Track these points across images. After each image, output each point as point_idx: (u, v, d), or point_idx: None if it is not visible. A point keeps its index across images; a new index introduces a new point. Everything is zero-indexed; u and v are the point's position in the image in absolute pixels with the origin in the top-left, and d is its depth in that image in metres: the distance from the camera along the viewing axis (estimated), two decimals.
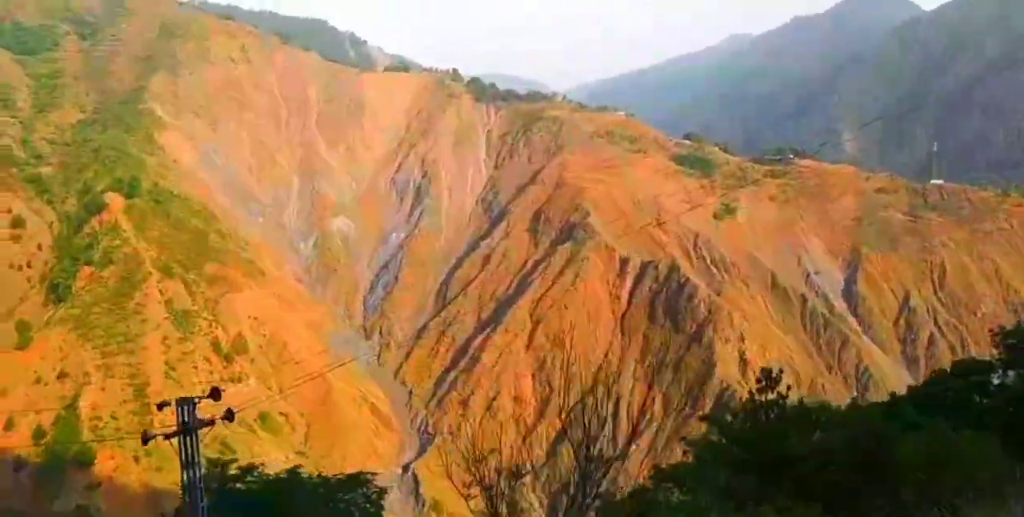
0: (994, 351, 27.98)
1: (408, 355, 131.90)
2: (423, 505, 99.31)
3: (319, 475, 38.15)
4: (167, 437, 14.22)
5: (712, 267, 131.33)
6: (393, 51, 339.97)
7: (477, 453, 12.21)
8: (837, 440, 17.51)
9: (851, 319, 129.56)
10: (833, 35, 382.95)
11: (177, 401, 14.40)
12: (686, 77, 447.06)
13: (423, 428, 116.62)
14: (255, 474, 33.56)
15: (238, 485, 32.40)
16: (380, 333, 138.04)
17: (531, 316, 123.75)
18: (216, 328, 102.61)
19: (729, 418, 20.66)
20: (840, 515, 15.60)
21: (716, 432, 20.17)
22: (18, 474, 75.60)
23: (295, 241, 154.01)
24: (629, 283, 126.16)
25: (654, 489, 20.65)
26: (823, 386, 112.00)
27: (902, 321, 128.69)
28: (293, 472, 35.27)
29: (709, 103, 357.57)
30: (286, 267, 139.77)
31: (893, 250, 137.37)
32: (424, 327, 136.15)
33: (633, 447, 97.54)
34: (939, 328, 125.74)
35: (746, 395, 20.43)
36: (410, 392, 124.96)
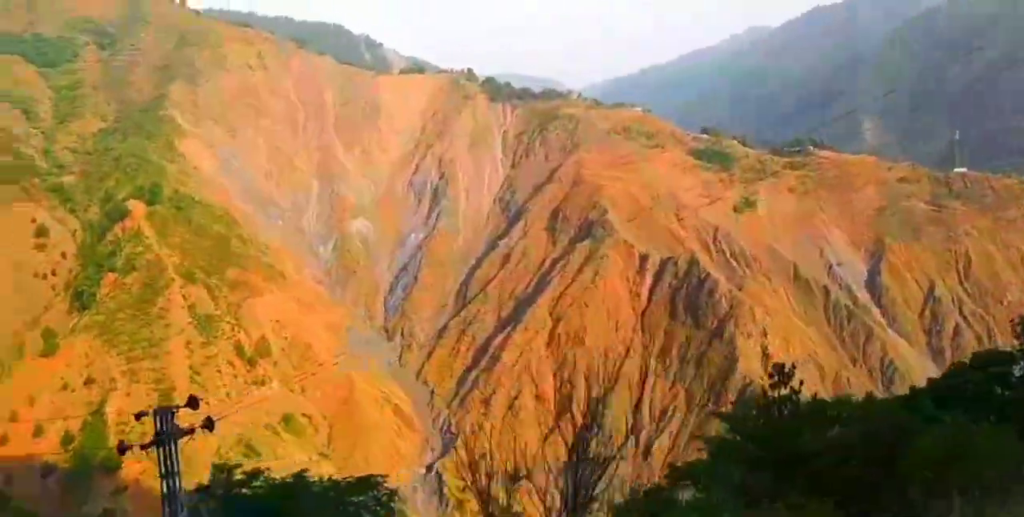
0: (1015, 341, 27.52)
1: (429, 355, 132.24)
2: (447, 505, 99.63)
3: (329, 478, 38.15)
4: (143, 447, 14.15)
5: (732, 261, 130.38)
6: (408, 53, 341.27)
7: (471, 458, 12.15)
8: (851, 436, 17.30)
9: (875, 310, 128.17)
10: (849, 25, 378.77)
11: (154, 411, 14.20)
12: (694, 74, 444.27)
13: (446, 428, 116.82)
14: (261, 478, 33.62)
15: (244, 490, 32.41)
16: (401, 334, 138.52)
17: (551, 314, 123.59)
18: (239, 332, 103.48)
19: (743, 415, 20.49)
20: (853, 511, 15.41)
21: (729, 429, 20.00)
22: (46, 480, 76.81)
23: (315, 244, 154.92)
24: (649, 279, 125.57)
25: (669, 487, 20.53)
26: (848, 379, 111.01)
27: (927, 312, 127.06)
28: (299, 476, 35.30)
29: (721, 99, 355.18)
30: (306, 270, 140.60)
31: (916, 240, 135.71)
32: (444, 327, 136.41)
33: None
34: (965, 318, 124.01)
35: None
36: (432, 392, 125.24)
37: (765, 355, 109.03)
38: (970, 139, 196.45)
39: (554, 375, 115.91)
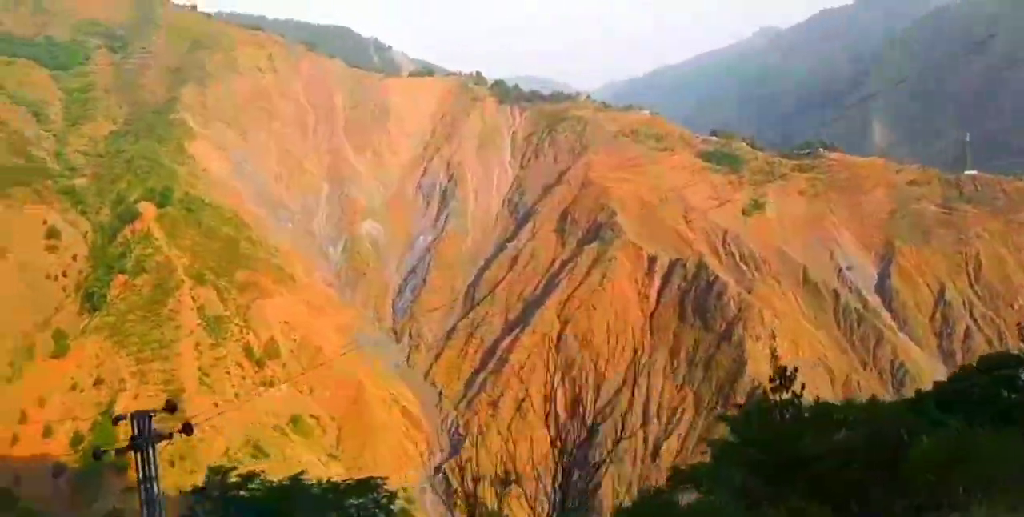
0: (1022, 344, 27.40)
1: (437, 357, 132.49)
2: (455, 506, 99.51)
3: (328, 480, 38.16)
4: (119, 452, 13.99)
5: (741, 264, 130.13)
6: (417, 56, 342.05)
7: (459, 462, 12.12)
8: (853, 439, 17.23)
9: (885, 314, 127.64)
10: (861, 25, 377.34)
11: (132, 415, 13.99)
12: (706, 75, 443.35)
13: (454, 429, 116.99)
14: (257, 481, 33.65)
15: (241, 492, 32.42)
16: (410, 335, 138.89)
17: (559, 316, 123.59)
18: (248, 334, 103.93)
19: (743, 418, 20.46)
20: (853, 514, 15.36)
21: (731, 432, 19.98)
22: (57, 480, 77.31)
23: (324, 246, 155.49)
24: (657, 282, 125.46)
25: (670, 490, 20.51)
26: (858, 382, 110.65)
27: (938, 315, 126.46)
28: (296, 478, 35.35)
29: (730, 100, 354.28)
30: (316, 272, 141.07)
31: (927, 243, 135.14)
32: (453, 329, 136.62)
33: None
34: (975, 321, 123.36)
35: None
36: (440, 393, 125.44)
37: (774, 358, 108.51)
38: (976, 139, 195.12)
39: (562, 377, 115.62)
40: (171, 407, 13.80)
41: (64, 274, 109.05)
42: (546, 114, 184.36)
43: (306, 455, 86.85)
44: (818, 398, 19.27)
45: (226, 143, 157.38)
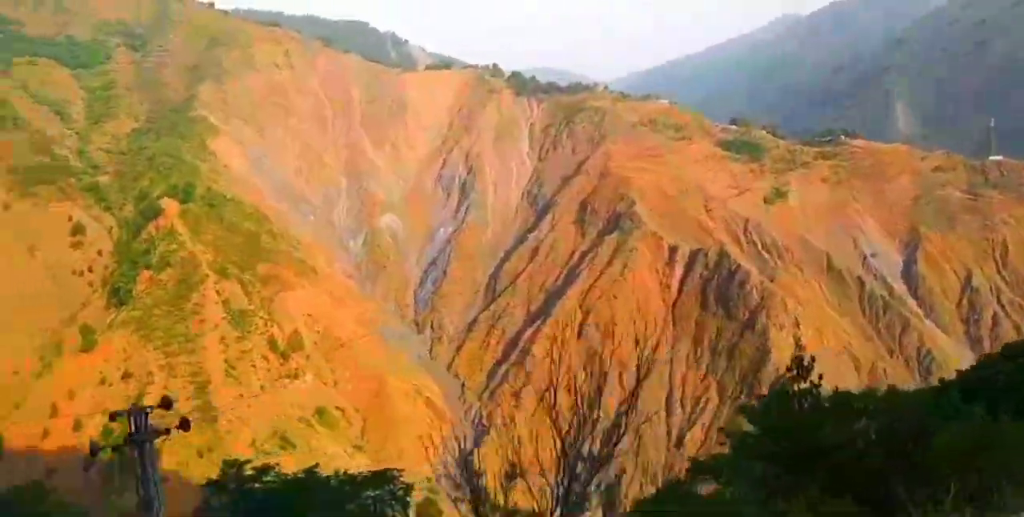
0: None
1: (459, 348, 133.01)
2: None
3: (345, 472, 38.40)
4: (114, 449, 13.88)
5: (764, 252, 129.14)
6: (434, 50, 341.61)
7: (461, 455, 12.11)
8: (872, 429, 17.10)
9: (911, 301, 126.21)
10: (882, 11, 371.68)
11: (129, 411, 13.78)
12: (727, 63, 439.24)
13: (477, 420, 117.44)
14: (272, 473, 33.89)
15: (256, 485, 32.62)
16: (431, 327, 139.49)
17: (580, 307, 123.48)
18: (272, 326, 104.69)
19: (761, 408, 20.35)
20: (873, 506, 15.27)
21: (749, 422, 19.89)
22: (87, 473, 78.43)
23: (345, 239, 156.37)
24: (679, 271, 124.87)
25: (689, 481, 20.49)
26: (884, 370, 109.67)
27: (965, 301, 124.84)
28: (311, 471, 35.57)
29: (746, 89, 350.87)
30: (337, 265, 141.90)
31: (952, 229, 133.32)
32: (474, 320, 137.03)
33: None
34: (1003, 307, 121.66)
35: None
36: (463, 385, 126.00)
37: (798, 346, 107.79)
38: (1000, 124, 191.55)
39: (584, 368, 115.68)
40: (166, 404, 13.75)
41: (90, 269, 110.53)
42: (563, 105, 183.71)
43: (332, 447, 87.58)
44: (837, 387, 19.14)
45: (245, 139, 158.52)
